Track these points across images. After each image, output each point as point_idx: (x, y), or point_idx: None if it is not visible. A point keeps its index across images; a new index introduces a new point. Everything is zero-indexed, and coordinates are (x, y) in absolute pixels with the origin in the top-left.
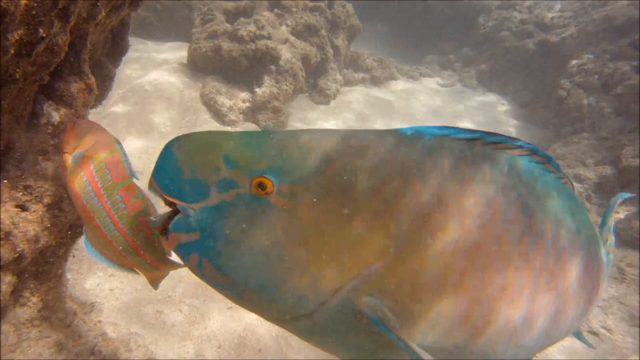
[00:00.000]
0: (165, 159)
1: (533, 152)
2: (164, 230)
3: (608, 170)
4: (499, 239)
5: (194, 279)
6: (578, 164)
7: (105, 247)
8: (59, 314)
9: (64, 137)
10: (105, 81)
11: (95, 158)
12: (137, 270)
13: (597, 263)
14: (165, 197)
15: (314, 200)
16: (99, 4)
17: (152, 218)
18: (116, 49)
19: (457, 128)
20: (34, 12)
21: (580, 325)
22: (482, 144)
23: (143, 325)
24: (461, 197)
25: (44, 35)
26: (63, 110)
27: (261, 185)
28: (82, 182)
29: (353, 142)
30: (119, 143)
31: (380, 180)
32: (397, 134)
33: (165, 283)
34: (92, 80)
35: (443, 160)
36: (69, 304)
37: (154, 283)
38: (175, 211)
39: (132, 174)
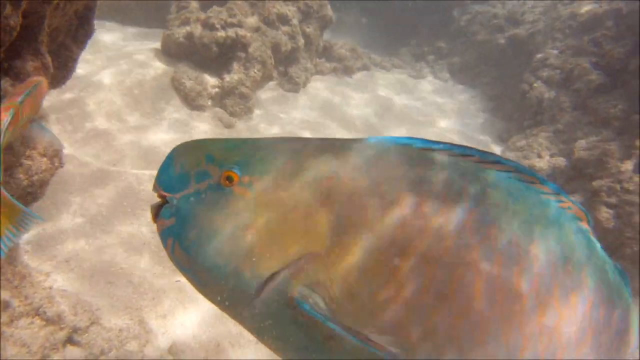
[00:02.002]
0: (165, 160)
1: (516, 169)
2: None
3: (561, 162)
4: (442, 235)
5: (147, 252)
6: (534, 155)
7: None
8: (7, 276)
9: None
10: (68, 62)
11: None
12: None
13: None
14: (158, 189)
15: (267, 190)
16: None
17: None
18: (81, 32)
19: (422, 139)
20: None
21: None
22: (450, 155)
23: (93, 294)
24: (405, 197)
25: None
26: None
27: (229, 178)
28: None
29: (313, 145)
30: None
31: (327, 177)
32: (359, 141)
33: (116, 253)
34: (48, 59)
35: (394, 164)
36: (19, 268)
37: None
38: (166, 202)
39: (20, 101)
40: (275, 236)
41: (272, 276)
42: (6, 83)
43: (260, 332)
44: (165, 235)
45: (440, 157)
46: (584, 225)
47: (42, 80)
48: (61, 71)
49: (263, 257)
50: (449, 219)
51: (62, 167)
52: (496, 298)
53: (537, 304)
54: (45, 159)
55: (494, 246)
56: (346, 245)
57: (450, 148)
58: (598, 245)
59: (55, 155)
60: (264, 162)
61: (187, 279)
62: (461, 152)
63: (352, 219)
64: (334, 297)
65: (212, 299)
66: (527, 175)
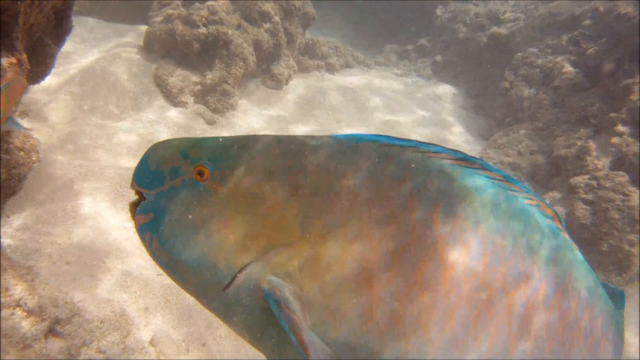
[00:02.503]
0: (141, 159)
1: (482, 166)
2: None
3: (540, 159)
4: (408, 226)
5: (129, 246)
6: (514, 152)
7: None
8: None
9: None
10: (46, 58)
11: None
12: None
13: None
14: (135, 187)
15: (239, 184)
16: None
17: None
18: (59, 28)
19: (389, 136)
20: None
21: None
22: (415, 151)
23: (75, 286)
24: (371, 191)
25: None
26: None
27: (200, 173)
28: None
29: (283, 141)
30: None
31: (296, 171)
32: (328, 138)
33: (98, 246)
34: (24, 55)
35: (361, 160)
36: (1, 261)
37: None
38: (143, 198)
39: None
40: (247, 228)
41: (244, 267)
42: None
43: (236, 324)
44: (143, 230)
45: (407, 154)
46: (555, 223)
47: (19, 78)
48: (39, 67)
49: (236, 249)
50: (416, 211)
51: (39, 161)
52: (463, 287)
53: (503, 293)
54: (22, 152)
55: (460, 237)
56: (314, 236)
57: (417, 145)
58: (568, 240)
59: (32, 150)
60: (235, 157)
61: (166, 272)
62: (428, 149)
63: (320, 212)
64: (303, 287)
65: (190, 292)
66: (494, 173)
